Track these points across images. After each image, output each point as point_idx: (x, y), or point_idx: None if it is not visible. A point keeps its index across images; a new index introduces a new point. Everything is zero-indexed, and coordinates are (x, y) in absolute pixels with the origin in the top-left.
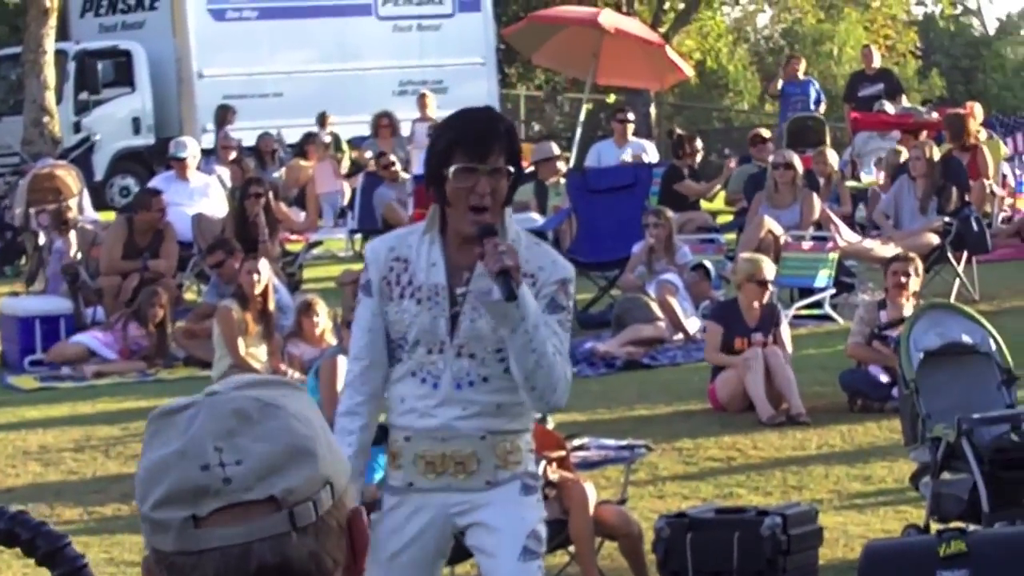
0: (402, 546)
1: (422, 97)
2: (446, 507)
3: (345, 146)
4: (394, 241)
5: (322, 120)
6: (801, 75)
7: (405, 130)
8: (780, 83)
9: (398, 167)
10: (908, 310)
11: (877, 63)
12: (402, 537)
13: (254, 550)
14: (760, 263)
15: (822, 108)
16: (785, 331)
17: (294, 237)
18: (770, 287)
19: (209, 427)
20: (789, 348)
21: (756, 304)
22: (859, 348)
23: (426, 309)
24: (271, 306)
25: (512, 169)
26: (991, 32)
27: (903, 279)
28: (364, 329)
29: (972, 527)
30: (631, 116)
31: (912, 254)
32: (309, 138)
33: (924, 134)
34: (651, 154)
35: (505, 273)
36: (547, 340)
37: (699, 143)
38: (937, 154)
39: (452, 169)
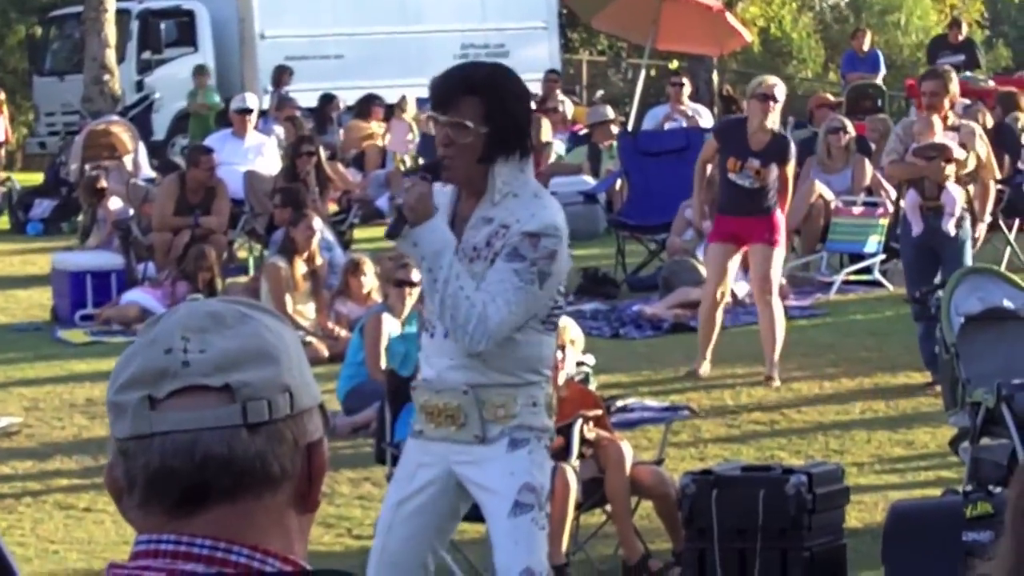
0: (409, 494)
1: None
2: (448, 456)
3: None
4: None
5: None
6: (866, 47)
7: None
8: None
9: None
10: (938, 127)
11: (964, 33)
12: (411, 485)
13: (203, 438)
14: (765, 79)
15: (881, 72)
16: (790, 170)
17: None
18: (774, 105)
19: (183, 321)
20: (782, 246)
21: (763, 125)
22: (895, 166)
23: None
24: (319, 263)
25: (473, 125)
26: None
27: (934, 99)
28: None
29: (999, 489)
30: (685, 80)
31: (947, 67)
32: (370, 100)
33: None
34: (706, 119)
35: (398, 209)
36: (457, 283)
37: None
38: (990, 121)
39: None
